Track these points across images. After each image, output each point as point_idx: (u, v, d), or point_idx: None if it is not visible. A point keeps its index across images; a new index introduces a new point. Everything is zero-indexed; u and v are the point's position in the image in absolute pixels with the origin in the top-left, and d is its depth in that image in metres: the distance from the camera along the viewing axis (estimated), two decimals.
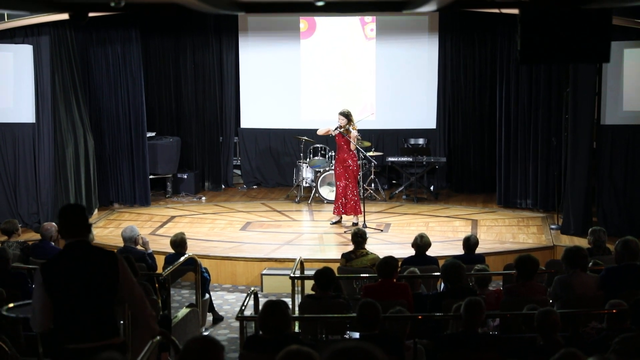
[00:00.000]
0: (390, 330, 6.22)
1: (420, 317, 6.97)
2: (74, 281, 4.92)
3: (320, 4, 6.24)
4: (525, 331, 6.30)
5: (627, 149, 11.83)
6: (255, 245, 11.67)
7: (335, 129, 12.13)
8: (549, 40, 6.41)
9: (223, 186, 15.95)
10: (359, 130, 12.50)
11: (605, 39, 6.44)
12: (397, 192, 14.94)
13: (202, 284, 9.14)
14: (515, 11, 6.52)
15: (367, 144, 14.42)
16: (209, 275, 9.69)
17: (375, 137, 15.41)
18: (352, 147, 12.21)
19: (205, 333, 9.03)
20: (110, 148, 14.02)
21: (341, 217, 12.61)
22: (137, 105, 13.85)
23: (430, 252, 9.05)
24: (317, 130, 12.79)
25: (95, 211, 13.52)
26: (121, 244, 9.46)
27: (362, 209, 12.25)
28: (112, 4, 5.64)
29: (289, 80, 15.85)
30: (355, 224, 12.21)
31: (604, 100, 11.81)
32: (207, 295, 9.38)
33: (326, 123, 12.45)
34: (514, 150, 13.63)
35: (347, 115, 12.12)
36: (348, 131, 12.07)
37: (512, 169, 13.72)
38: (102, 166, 13.90)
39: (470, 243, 8.95)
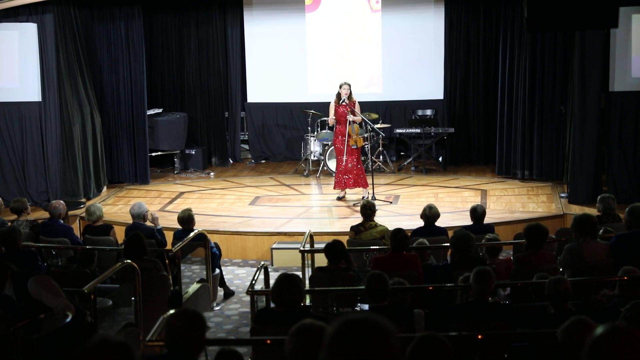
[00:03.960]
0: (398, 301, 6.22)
1: (430, 287, 6.98)
2: None
3: None
4: (536, 300, 6.28)
5: (637, 116, 11.76)
6: (265, 219, 11.68)
7: (342, 101, 12.04)
8: (556, 6, 6.33)
9: (231, 161, 15.95)
10: (363, 102, 12.40)
11: (613, 4, 6.37)
12: (405, 163, 14.91)
13: (212, 259, 9.15)
14: None
15: (375, 116, 14.38)
16: (219, 251, 9.69)
17: (383, 109, 15.35)
18: (358, 118, 12.12)
19: (217, 308, 9.06)
20: (111, 126, 13.93)
21: (345, 192, 12.53)
22: (138, 83, 13.73)
23: (440, 223, 9.04)
24: (324, 103, 12.71)
25: (104, 188, 13.53)
26: (130, 221, 9.48)
27: (372, 182, 12.17)
28: None
29: (295, 54, 15.77)
30: (364, 198, 12.15)
31: (612, 67, 11.71)
32: (217, 271, 9.39)
33: (332, 96, 12.33)
34: (518, 118, 13.51)
35: (350, 86, 12.05)
36: (352, 99, 12.02)
37: (512, 138, 13.60)
38: (104, 144, 13.80)
39: (477, 213, 8.92)
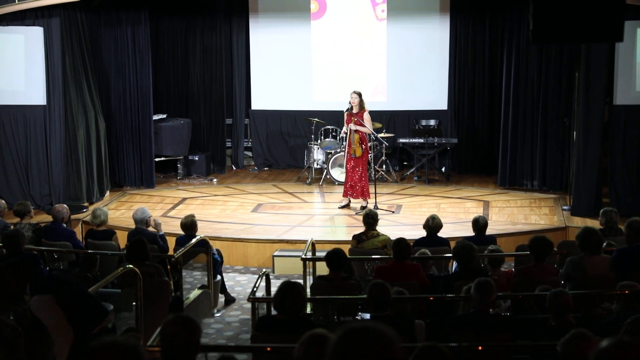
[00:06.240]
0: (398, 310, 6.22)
1: (431, 298, 6.98)
2: None
3: None
4: (537, 312, 6.28)
5: None
6: (267, 226, 11.68)
7: (347, 109, 12.07)
8: (562, 19, 6.34)
9: (234, 167, 15.98)
10: (369, 112, 12.41)
11: (619, 18, 6.38)
12: (408, 173, 14.90)
13: (214, 265, 9.16)
14: None
15: (378, 125, 14.38)
16: (221, 257, 9.70)
17: (387, 119, 15.36)
18: (365, 129, 12.10)
19: (218, 315, 9.06)
20: (117, 130, 13.97)
21: (349, 201, 12.54)
22: (144, 87, 13.75)
23: (442, 234, 9.04)
24: (328, 111, 12.70)
25: (107, 193, 13.54)
26: (133, 226, 9.48)
27: (375, 191, 12.18)
28: None
29: (299, 62, 15.79)
30: (363, 208, 12.10)
31: (616, 80, 11.73)
32: (218, 277, 9.40)
33: (336, 104, 12.36)
34: (523, 130, 13.53)
35: (360, 94, 12.06)
36: (362, 109, 12.02)
37: (518, 149, 13.63)
38: (109, 148, 13.82)
39: (479, 224, 8.92)
